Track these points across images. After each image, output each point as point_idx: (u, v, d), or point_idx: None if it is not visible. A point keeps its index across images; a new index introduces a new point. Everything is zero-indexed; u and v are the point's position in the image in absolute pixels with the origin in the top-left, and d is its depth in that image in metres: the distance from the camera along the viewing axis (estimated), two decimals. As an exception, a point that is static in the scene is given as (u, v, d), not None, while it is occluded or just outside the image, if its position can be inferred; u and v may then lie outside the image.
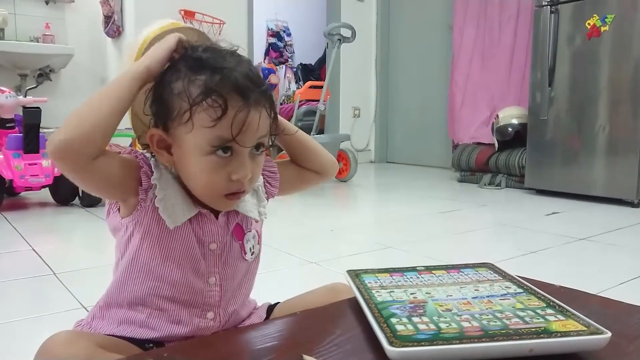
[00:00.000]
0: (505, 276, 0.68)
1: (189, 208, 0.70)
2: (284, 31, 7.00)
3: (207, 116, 0.62)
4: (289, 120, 3.97)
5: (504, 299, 0.59)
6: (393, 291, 0.63)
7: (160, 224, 0.69)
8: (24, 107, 2.61)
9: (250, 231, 0.77)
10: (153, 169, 0.69)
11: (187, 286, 0.71)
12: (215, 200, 0.69)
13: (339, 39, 3.64)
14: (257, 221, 0.78)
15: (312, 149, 0.83)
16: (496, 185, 3.48)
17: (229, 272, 0.74)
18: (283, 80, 6.69)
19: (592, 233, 2.17)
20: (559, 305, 0.57)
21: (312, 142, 0.84)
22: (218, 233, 0.72)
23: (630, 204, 2.78)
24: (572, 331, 0.50)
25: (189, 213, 0.70)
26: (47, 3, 4.04)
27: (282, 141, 0.81)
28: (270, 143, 0.72)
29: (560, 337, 0.49)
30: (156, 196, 0.68)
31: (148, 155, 0.71)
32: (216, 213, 0.72)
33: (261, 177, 0.79)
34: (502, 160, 3.47)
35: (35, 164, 2.56)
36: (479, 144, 3.85)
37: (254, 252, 0.77)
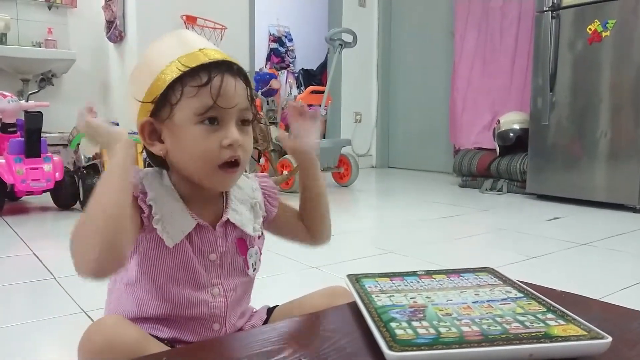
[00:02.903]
0: (505, 281, 0.68)
1: (187, 221, 0.71)
2: (286, 36, 7.02)
3: (190, 88, 0.67)
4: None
5: (504, 304, 0.59)
6: (393, 295, 0.62)
7: (159, 243, 0.70)
8: (26, 112, 2.61)
9: (253, 247, 0.78)
10: (147, 189, 0.70)
11: (190, 301, 0.72)
12: (212, 176, 0.69)
13: (340, 44, 3.64)
14: (259, 237, 0.79)
15: (322, 214, 0.85)
16: (497, 191, 3.48)
17: (232, 284, 0.75)
18: (284, 85, 6.70)
19: (594, 238, 2.16)
20: (560, 310, 0.56)
21: (326, 208, 0.85)
22: (217, 243, 0.73)
23: (632, 210, 2.77)
24: (572, 336, 0.50)
25: (187, 227, 0.71)
26: (49, 8, 4.06)
27: (302, 194, 0.83)
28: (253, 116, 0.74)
29: (560, 341, 0.49)
30: (154, 217, 0.69)
31: (141, 174, 0.71)
32: (214, 224, 0.73)
33: (260, 194, 0.80)
34: (504, 166, 3.47)
35: (37, 169, 2.56)
36: (480, 149, 3.84)
37: (255, 267, 0.79)
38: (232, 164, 0.69)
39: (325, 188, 0.84)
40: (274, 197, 0.82)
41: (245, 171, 0.78)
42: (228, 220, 0.74)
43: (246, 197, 0.78)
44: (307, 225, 0.85)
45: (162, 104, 0.69)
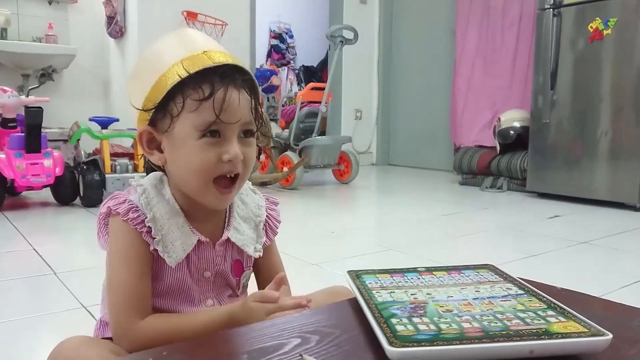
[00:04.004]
0: (506, 278, 0.67)
1: (188, 237, 0.70)
2: (287, 33, 7.01)
3: (191, 101, 0.64)
4: (290, 120, 3.88)
5: (504, 300, 0.59)
6: (393, 292, 0.62)
7: (158, 261, 0.70)
8: (26, 107, 2.61)
9: (249, 268, 0.78)
10: (144, 211, 0.69)
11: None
12: (206, 192, 0.68)
13: (341, 41, 3.64)
14: (254, 257, 0.78)
15: None
16: (498, 188, 3.48)
17: (225, 295, 0.75)
18: (285, 82, 6.70)
19: (594, 236, 2.16)
20: (560, 307, 0.56)
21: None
22: (214, 262, 0.73)
23: (633, 208, 2.77)
24: (572, 333, 0.50)
25: (189, 245, 0.70)
26: (50, 3, 4.05)
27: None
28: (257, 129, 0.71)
29: (560, 338, 0.49)
30: (154, 238, 0.68)
31: (139, 191, 0.70)
32: (213, 239, 0.73)
33: (265, 211, 0.79)
34: (504, 163, 3.47)
35: (37, 164, 2.56)
36: (480, 147, 3.84)
37: (245, 285, 0.79)
38: (231, 180, 0.68)
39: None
40: (273, 231, 0.80)
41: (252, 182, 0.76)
42: (229, 239, 0.73)
43: (250, 215, 0.77)
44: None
45: (162, 115, 0.67)
